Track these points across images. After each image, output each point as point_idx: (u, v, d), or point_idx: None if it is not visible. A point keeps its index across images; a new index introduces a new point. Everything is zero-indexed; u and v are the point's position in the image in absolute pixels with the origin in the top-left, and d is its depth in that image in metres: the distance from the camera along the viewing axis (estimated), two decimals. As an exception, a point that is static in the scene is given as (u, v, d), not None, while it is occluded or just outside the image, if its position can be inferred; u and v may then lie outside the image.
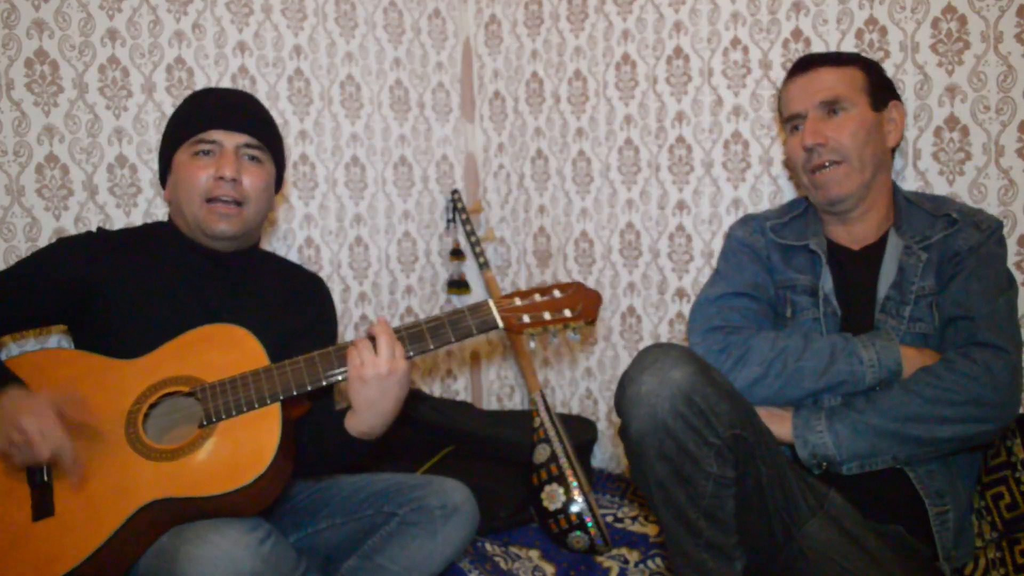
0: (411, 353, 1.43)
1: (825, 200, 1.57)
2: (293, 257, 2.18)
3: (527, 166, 2.44)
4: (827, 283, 1.56)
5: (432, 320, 1.45)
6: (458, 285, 2.47)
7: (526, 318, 1.44)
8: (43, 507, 1.32)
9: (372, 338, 1.43)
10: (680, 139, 2.12)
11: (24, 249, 1.79)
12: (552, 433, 2.03)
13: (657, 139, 2.17)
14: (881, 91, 1.58)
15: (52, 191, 1.83)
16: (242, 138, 1.56)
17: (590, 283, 2.31)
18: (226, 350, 1.45)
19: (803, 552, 1.37)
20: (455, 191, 2.47)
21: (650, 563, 1.82)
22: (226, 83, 2.05)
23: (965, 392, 1.36)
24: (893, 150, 1.63)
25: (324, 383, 1.42)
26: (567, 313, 1.45)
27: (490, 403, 2.59)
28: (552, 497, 1.94)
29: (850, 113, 1.54)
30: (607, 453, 2.33)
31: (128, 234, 1.64)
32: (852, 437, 1.39)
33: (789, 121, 1.61)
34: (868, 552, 1.37)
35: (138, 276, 1.54)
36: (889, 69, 1.71)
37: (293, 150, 2.18)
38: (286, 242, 2.18)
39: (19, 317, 1.53)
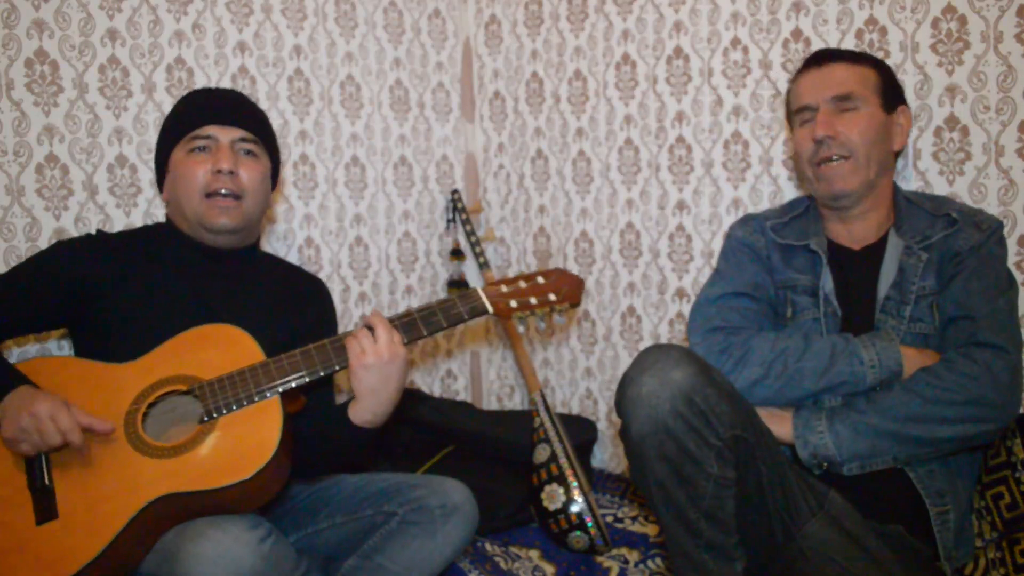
0: (406, 340, 1.46)
1: (828, 194, 1.57)
2: (293, 257, 2.18)
3: (527, 166, 2.44)
4: (827, 283, 1.56)
5: (424, 308, 1.49)
6: (458, 285, 2.46)
7: (513, 303, 1.50)
8: (46, 511, 1.32)
9: (368, 328, 1.45)
10: (680, 139, 2.12)
11: (24, 249, 1.79)
12: (552, 433, 2.03)
13: (657, 139, 2.17)
14: (892, 94, 1.59)
15: (52, 191, 1.83)
16: (236, 132, 1.58)
17: (590, 283, 2.32)
18: (223, 349, 1.45)
19: (803, 552, 1.37)
20: (455, 191, 2.47)
21: (650, 563, 1.82)
22: (226, 83, 2.05)
23: (966, 392, 1.36)
24: (897, 154, 1.63)
25: (322, 374, 1.43)
26: (552, 297, 1.51)
27: (490, 403, 2.59)
28: (552, 497, 1.94)
29: (861, 111, 1.54)
30: (607, 453, 2.33)
31: (127, 236, 1.64)
32: (853, 437, 1.39)
33: (799, 113, 1.61)
34: (868, 552, 1.37)
35: (138, 277, 1.54)
36: (889, 69, 1.72)
37: (293, 150, 2.18)
38: (286, 242, 2.18)
39: (19, 321, 1.53)
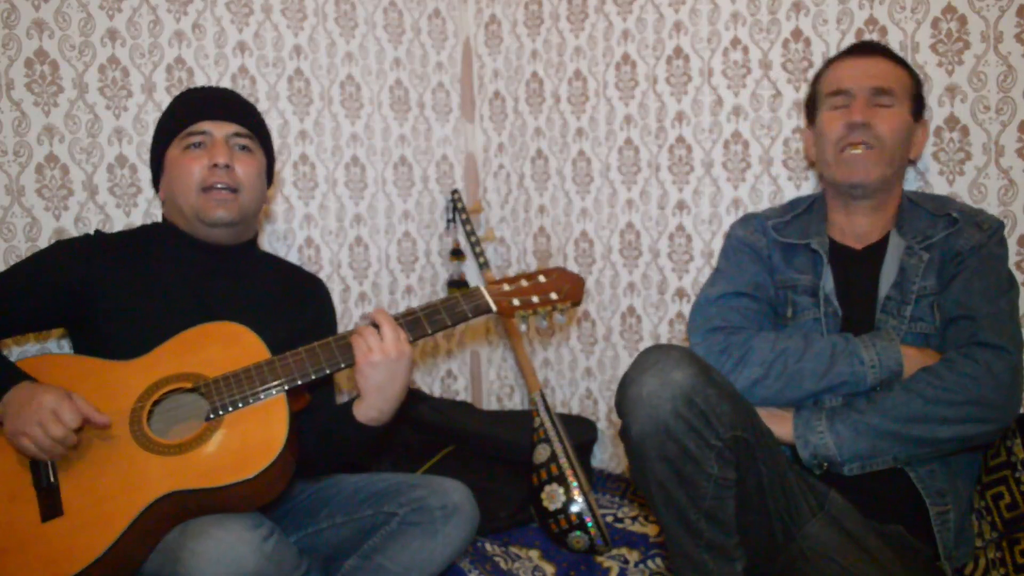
0: (411, 339, 1.46)
1: (847, 181, 1.56)
2: (293, 257, 2.18)
3: (527, 166, 2.44)
4: (828, 283, 1.56)
5: (427, 307, 1.49)
6: (458, 285, 2.46)
7: (516, 301, 1.51)
8: (51, 508, 1.32)
9: (373, 325, 1.45)
10: (680, 139, 2.12)
11: (24, 249, 1.79)
12: (552, 433, 2.03)
13: (657, 139, 2.17)
14: (920, 104, 1.61)
15: (52, 191, 1.83)
16: (231, 127, 1.58)
17: (590, 283, 2.32)
18: (226, 346, 1.45)
19: (803, 552, 1.37)
20: (455, 191, 2.47)
21: (650, 563, 1.82)
22: (226, 83, 2.05)
23: (966, 393, 1.35)
24: (911, 162, 1.64)
25: (328, 372, 1.44)
26: (553, 296, 1.52)
27: (490, 403, 2.59)
28: (552, 497, 1.94)
29: (895, 109, 1.55)
30: (607, 453, 2.33)
31: (125, 236, 1.65)
32: (853, 438, 1.39)
33: (832, 96, 1.59)
34: (869, 552, 1.37)
35: (136, 277, 1.54)
36: (889, 69, 1.72)
37: (293, 150, 2.18)
38: (286, 242, 2.18)
39: (17, 321, 1.53)
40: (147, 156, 1.92)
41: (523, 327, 1.55)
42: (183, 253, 1.59)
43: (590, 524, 1.89)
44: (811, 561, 1.37)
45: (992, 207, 1.68)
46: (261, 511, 1.39)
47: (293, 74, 2.17)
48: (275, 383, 1.41)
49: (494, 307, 1.50)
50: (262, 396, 1.40)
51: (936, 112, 1.74)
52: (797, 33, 1.92)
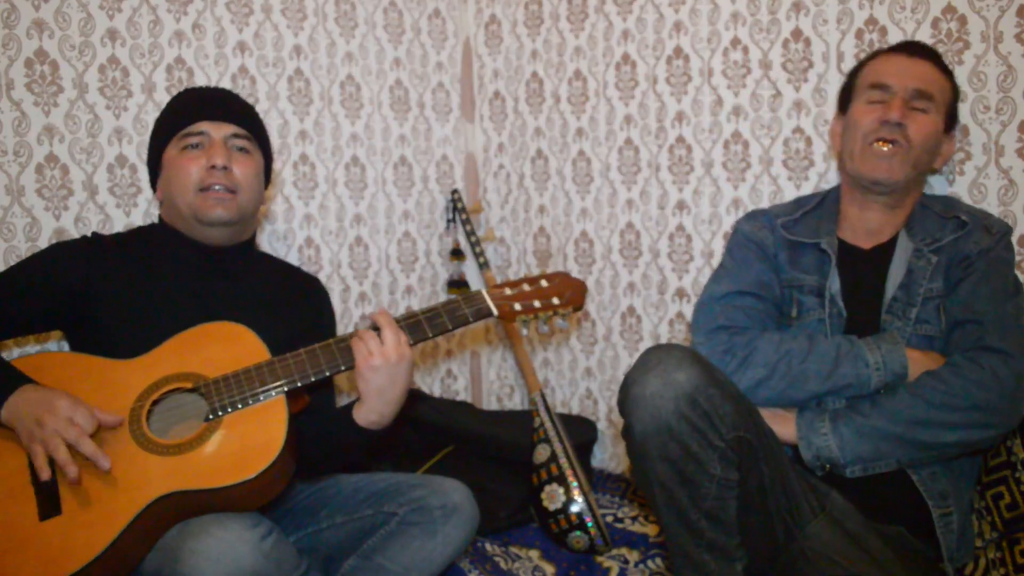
0: (411, 342, 1.46)
1: (870, 176, 1.54)
2: (293, 257, 2.18)
3: (527, 166, 2.44)
4: (834, 284, 1.55)
5: (428, 310, 1.48)
6: (458, 285, 2.46)
7: (518, 306, 1.51)
8: (49, 507, 1.32)
9: (374, 327, 1.45)
10: (680, 139, 2.12)
11: (24, 249, 1.79)
12: (552, 433, 2.03)
13: (657, 139, 2.17)
14: (953, 116, 1.59)
15: (52, 191, 1.83)
16: (229, 128, 1.58)
17: (590, 283, 2.32)
18: (226, 346, 1.45)
19: (804, 553, 1.37)
20: (455, 191, 2.47)
21: (650, 563, 1.82)
22: (226, 83, 2.05)
23: (972, 398, 1.35)
24: (933, 172, 1.63)
25: (328, 373, 1.43)
26: (555, 301, 1.52)
27: (490, 403, 2.59)
28: (552, 497, 1.94)
29: (930, 116, 1.53)
30: (607, 453, 2.33)
31: (123, 237, 1.64)
32: (856, 440, 1.38)
33: (871, 89, 1.57)
34: (869, 553, 1.37)
35: (135, 278, 1.54)
36: (889, 69, 1.71)
37: (293, 150, 2.18)
38: (286, 242, 2.18)
39: (16, 324, 1.52)
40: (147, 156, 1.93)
41: (524, 331, 1.54)
42: (181, 254, 1.58)
43: (590, 524, 1.89)
44: (812, 561, 1.37)
45: (992, 207, 1.68)
46: (261, 511, 1.39)
47: (293, 74, 2.17)
48: (275, 384, 1.41)
49: (496, 311, 1.50)
50: (262, 397, 1.40)
51: (936, 112, 1.74)
52: (797, 33, 1.92)
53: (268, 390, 1.40)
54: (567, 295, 1.52)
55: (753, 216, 1.69)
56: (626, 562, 1.84)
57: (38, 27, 1.80)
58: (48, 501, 1.32)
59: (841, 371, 1.43)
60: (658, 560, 1.82)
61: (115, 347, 1.46)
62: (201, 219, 1.55)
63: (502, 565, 1.81)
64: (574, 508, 1.91)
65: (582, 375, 2.38)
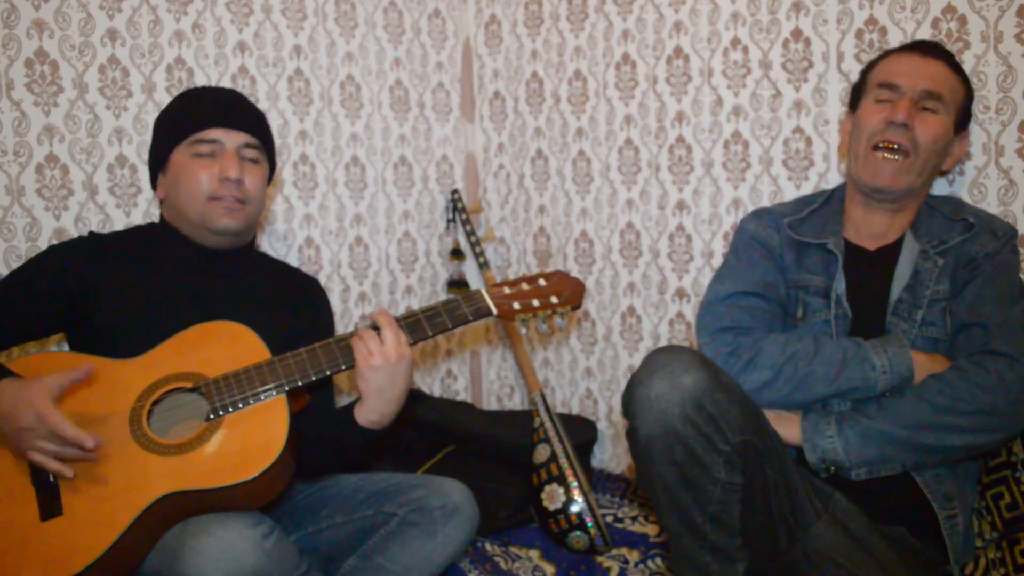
0: (411, 341, 1.46)
1: (871, 183, 1.53)
2: (293, 257, 2.18)
3: (527, 166, 2.44)
4: (840, 285, 1.54)
5: (428, 309, 1.49)
6: (458, 285, 2.47)
7: (517, 305, 1.51)
8: (50, 507, 1.32)
9: (374, 327, 1.45)
10: (680, 139, 2.12)
11: (24, 249, 1.79)
12: (552, 433, 2.03)
13: (657, 139, 2.17)
14: (965, 117, 1.57)
15: (52, 191, 1.83)
16: (241, 137, 1.56)
17: (590, 283, 2.32)
18: (226, 345, 1.45)
19: (807, 554, 1.36)
20: (455, 191, 2.47)
21: (650, 563, 1.82)
22: (226, 83, 2.05)
23: (977, 402, 1.34)
24: (943, 173, 1.62)
25: (328, 372, 1.43)
26: (554, 299, 1.52)
27: (490, 403, 2.59)
28: (552, 497, 1.94)
29: (939, 116, 1.51)
30: (607, 453, 2.33)
31: (121, 237, 1.64)
32: (862, 443, 1.38)
33: (880, 88, 1.55)
34: (872, 554, 1.37)
35: (133, 278, 1.54)
36: (889, 69, 1.71)
37: (293, 150, 2.18)
38: (286, 242, 2.18)
39: (18, 331, 1.51)
40: (147, 156, 1.93)
41: (523, 330, 1.55)
42: (181, 255, 1.58)
43: (590, 524, 1.89)
44: (815, 563, 1.36)
45: (992, 207, 1.68)
46: (261, 511, 1.39)
47: (293, 74, 2.17)
48: (275, 384, 1.41)
49: (495, 310, 1.50)
50: (262, 397, 1.40)
51: (936, 112, 1.74)
52: (797, 33, 1.92)
53: (268, 389, 1.40)
54: (565, 294, 1.53)
55: (758, 215, 1.67)
56: (626, 562, 1.84)
57: (38, 27, 1.80)
58: (50, 501, 1.32)
59: (847, 374, 1.42)
60: (658, 560, 1.82)
61: (115, 347, 1.46)
62: (210, 227, 1.54)
63: (502, 565, 1.81)
64: (574, 508, 1.91)
65: (582, 375, 2.38)
